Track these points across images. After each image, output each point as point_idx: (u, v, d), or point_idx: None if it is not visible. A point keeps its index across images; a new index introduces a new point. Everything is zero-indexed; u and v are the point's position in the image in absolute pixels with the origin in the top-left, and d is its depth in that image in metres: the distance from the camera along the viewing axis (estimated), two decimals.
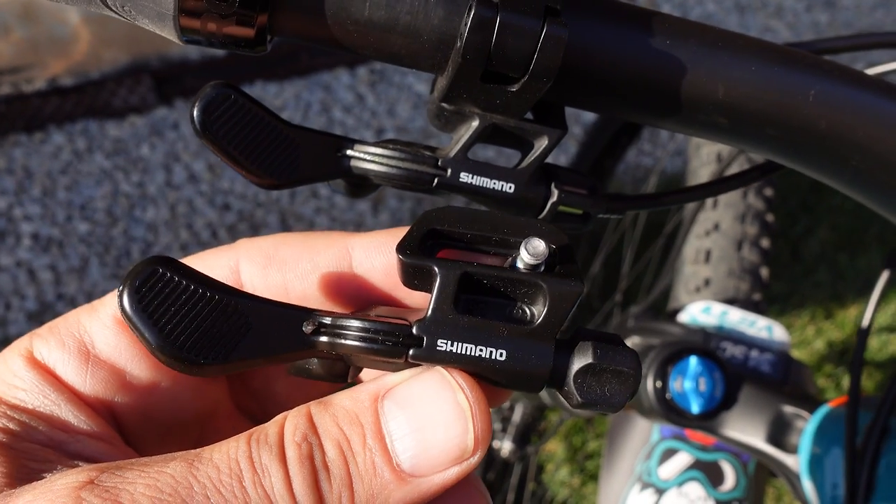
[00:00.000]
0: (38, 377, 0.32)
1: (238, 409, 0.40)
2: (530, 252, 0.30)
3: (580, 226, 0.37)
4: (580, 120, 1.96)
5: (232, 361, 0.29)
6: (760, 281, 1.00)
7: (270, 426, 0.29)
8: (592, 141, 1.29)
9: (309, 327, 0.30)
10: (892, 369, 1.73)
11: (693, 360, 0.72)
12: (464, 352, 0.29)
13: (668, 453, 0.85)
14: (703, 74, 0.32)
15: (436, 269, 0.29)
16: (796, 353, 1.79)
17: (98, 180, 1.82)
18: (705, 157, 1.08)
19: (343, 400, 0.29)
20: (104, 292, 0.36)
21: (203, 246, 1.78)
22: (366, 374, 0.36)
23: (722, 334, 0.86)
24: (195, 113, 0.32)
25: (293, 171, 0.34)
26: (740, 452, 0.83)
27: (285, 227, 1.82)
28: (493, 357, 0.29)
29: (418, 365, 0.29)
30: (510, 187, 0.35)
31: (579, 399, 0.29)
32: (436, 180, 0.34)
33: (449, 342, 0.29)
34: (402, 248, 0.30)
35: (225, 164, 0.32)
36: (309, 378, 0.33)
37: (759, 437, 0.72)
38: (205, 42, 0.30)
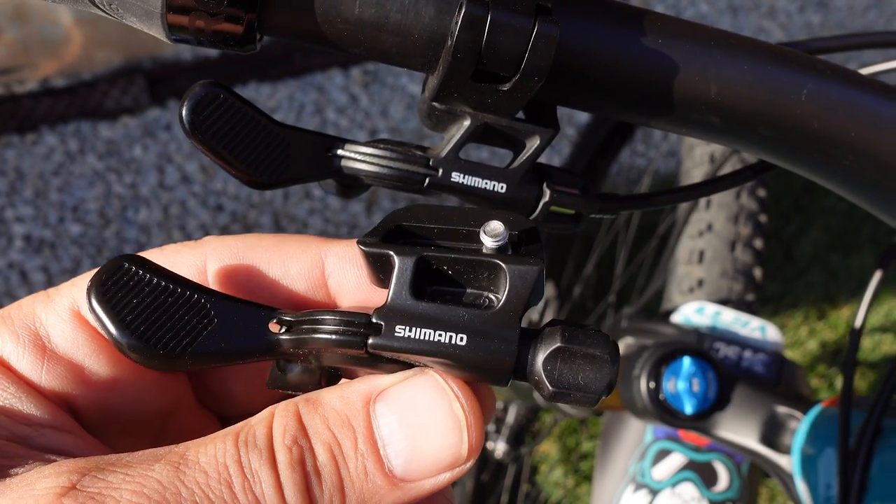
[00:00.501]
0: None
1: (200, 405, 0.38)
2: (488, 233, 0.29)
3: (572, 226, 0.37)
4: (574, 120, 1.97)
5: (194, 355, 0.29)
6: (753, 281, 1.00)
7: (258, 426, 0.28)
8: (586, 141, 1.29)
9: (273, 326, 0.30)
10: (884, 369, 1.74)
11: (686, 361, 0.72)
12: (422, 337, 0.28)
13: (662, 454, 0.85)
14: (695, 74, 0.32)
15: (393, 255, 0.29)
16: (790, 354, 1.80)
17: (90, 181, 1.81)
18: (698, 157, 1.08)
19: (333, 400, 0.29)
20: None
21: None
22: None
23: (715, 335, 0.86)
24: (184, 112, 0.32)
25: (283, 170, 0.34)
26: (734, 453, 0.83)
27: (278, 228, 1.82)
28: (454, 342, 0.28)
29: (379, 356, 0.29)
30: (502, 187, 0.35)
31: (550, 388, 0.28)
32: (427, 180, 0.34)
33: (407, 328, 0.28)
34: (362, 238, 0.30)
35: (214, 163, 0.32)
36: (286, 390, 0.32)
37: (752, 438, 0.72)
38: (193, 41, 0.30)
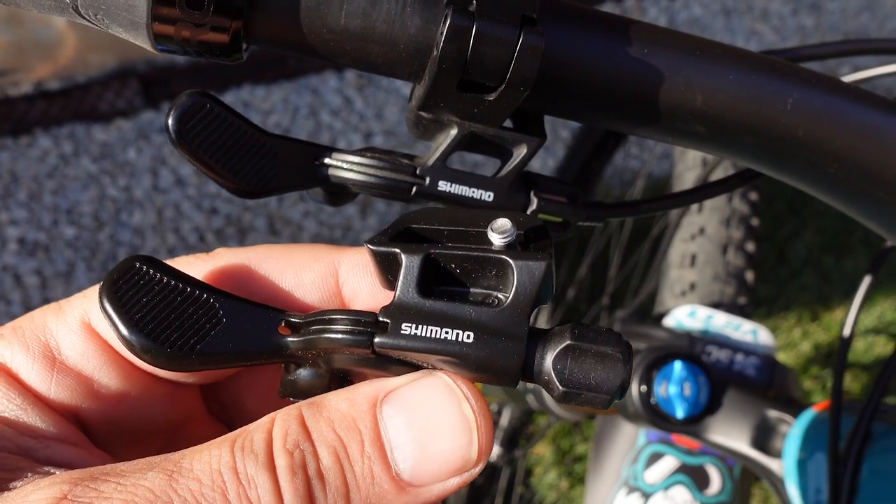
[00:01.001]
0: (1, 381, 0.31)
1: (212, 416, 0.38)
2: (495, 230, 0.29)
3: (560, 234, 0.37)
4: (568, 123, 1.97)
5: (202, 354, 0.29)
6: (745, 285, 1.01)
7: (256, 431, 0.27)
8: (580, 144, 1.29)
9: (282, 329, 0.30)
10: (877, 371, 1.74)
11: (678, 365, 0.72)
12: (429, 335, 0.27)
13: (654, 457, 0.85)
14: (680, 83, 0.32)
15: (400, 253, 0.29)
16: (783, 356, 1.80)
17: (85, 184, 1.81)
18: (691, 161, 1.08)
19: (339, 402, 0.28)
20: None
21: (190, 250, 1.77)
22: None
23: (707, 338, 0.86)
24: (170, 122, 0.32)
25: (270, 179, 0.34)
26: (726, 456, 0.83)
27: (273, 230, 1.82)
28: (460, 339, 0.27)
29: (387, 356, 0.28)
30: (489, 196, 0.35)
31: (560, 388, 0.27)
32: (414, 189, 0.34)
33: (413, 325, 0.27)
34: (371, 239, 0.29)
35: (201, 172, 0.32)
36: (296, 397, 0.32)
37: (743, 442, 0.72)
38: (179, 50, 0.30)
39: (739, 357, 0.85)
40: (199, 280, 0.30)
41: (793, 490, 0.67)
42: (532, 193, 0.36)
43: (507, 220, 0.29)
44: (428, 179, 0.34)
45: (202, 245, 1.78)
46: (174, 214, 1.80)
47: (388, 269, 0.30)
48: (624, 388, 0.27)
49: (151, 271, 0.29)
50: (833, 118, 0.33)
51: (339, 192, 0.36)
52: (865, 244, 1.93)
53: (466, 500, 1.48)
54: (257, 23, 0.30)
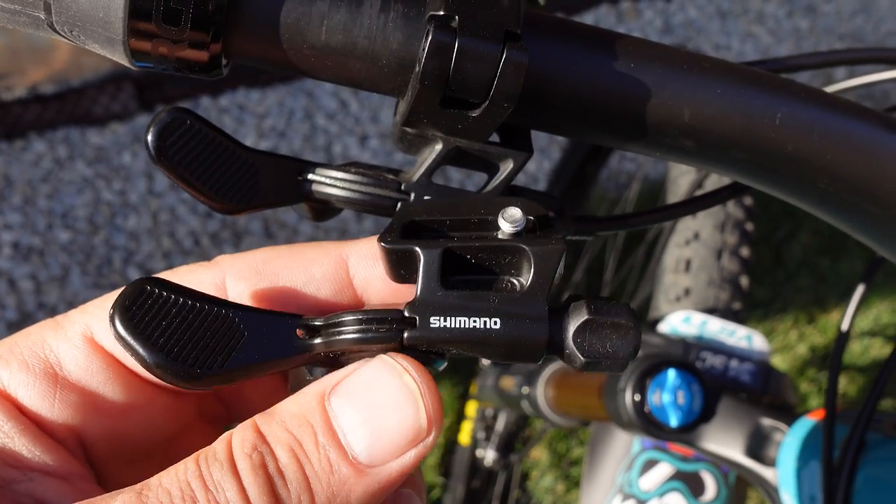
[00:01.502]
0: None
1: (206, 423, 0.38)
2: (507, 219, 0.30)
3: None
4: None
5: (229, 370, 0.29)
6: (740, 290, 1.00)
7: (217, 444, 0.28)
8: (575, 147, 1.29)
9: (302, 331, 0.30)
10: (872, 374, 1.74)
11: (671, 373, 0.72)
12: (458, 325, 0.28)
13: (649, 464, 0.85)
14: (668, 98, 0.32)
15: (418, 250, 0.29)
16: (779, 358, 1.80)
17: (79, 188, 1.80)
18: (685, 165, 1.08)
19: (289, 406, 0.29)
20: (85, 301, 0.35)
21: (186, 254, 1.76)
22: None
23: (702, 344, 0.86)
24: (149, 139, 0.31)
25: (253, 196, 0.33)
26: (720, 464, 0.83)
27: (268, 234, 1.81)
28: (488, 326, 0.28)
29: (415, 350, 0.29)
30: None
31: (582, 359, 0.29)
32: (399, 205, 0.34)
33: (441, 318, 0.28)
34: (382, 237, 0.30)
35: (183, 190, 0.32)
36: None
37: (737, 450, 0.72)
38: (157, 67, 0.29)
39: (734, 363, 0.84)
40: (209, 295, 0.30)
41: (787, 499, 0.67)
42: None
43: (516, 209, 0.30)
44: (413, 195, 0.34)
45: (198, 249, 1.78)
46: (169, 218, 1.80)
47: (401, 265, 0.30)
48: (636, 351, 0.30)
49: (163, 292, 0.29)
50: (823, 132, 0.33)
51: (323, 208, 0.36)
52: (861, 246, 1.93)
53: (463, 503, 1.48)
54: (236, 38, 0.29)
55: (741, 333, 0.88)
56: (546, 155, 1.92)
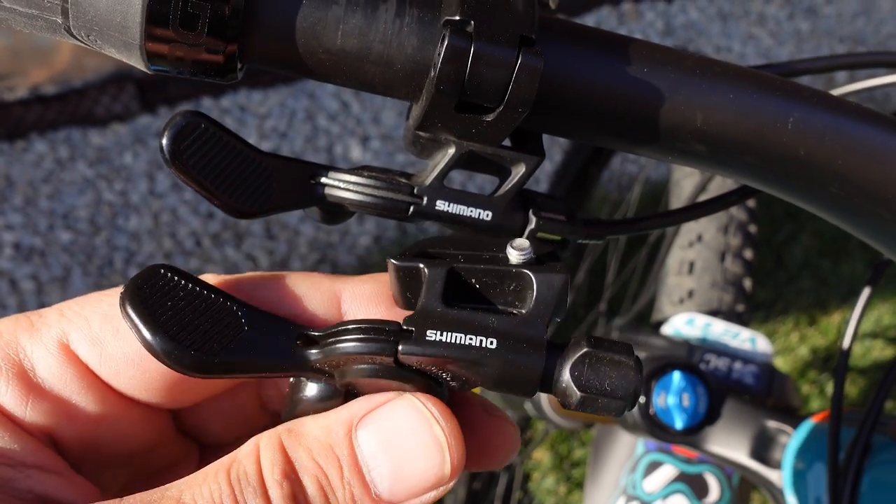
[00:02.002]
0: None
1: (181, 436, 0.38)
2: (515, 247, 0.31)
3: (559, 252, 0.37)
4: None
5: (221, 361, 0.29)
6: (744, 292, 1.00)
7: (247, 460, 0.28)
8: (577, 148, 1.29)
9: (301, 341, 0.30)
10: (875, 375, 1.74)
11: (676, 376, 0.72)
12: (453, 341, 0.28)
13: (653, 466, 0.85)
14: (680, 102, 0.32)
15: (422, 266, 0.30)
16: (780, 360, 1.80)
17: (81, 189, 1.80)
18: (689, 167, 1.08)
19: (315, 430, 0.29)
20: None
21: (187, 255, 1.76)
22: None
23: (706, 346, 0.86)
24: (165, 143, 0.31)
25: (266, 199, 0.33)
26: (725, 466, 0.83)
27: (269, 235, 1.81)
28: (483, 345, 0.28)
29: (409, 368, 0.29)
30: (487, 215, 0.34)
31: (578, 393, 0.28)
32: (412, 208, 0.34)
33: (438, 332, 0.28)
34: (395, 256, 0.31)
35: (196, 193, 0.32)
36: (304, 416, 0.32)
37: (742, 453, 0.72)
38: (173, 71, 0.29)
39: (738, 365, 0.85)
40: (219, 288, 0.30)
41: (792, 501, 0.67)
42: (531, 212, 0.35)
43: (524, 239, 0.31)
44: (425, 199, 0.34)
45: (199, 250, 1.78)
46: (171, 219, 1.80)
47: (408, 286, 0.30)
48: (636, 395, 0.29)
49: (176, 277, 0.29)
50: (835, 137, 0.33)
51: (335, 211, 0.36)
52: (863, 248, 1.93)
53: None
54: (252, 43, 0.29)
55: (745, 335, 0.88)
56: (548, 157, 1.92)
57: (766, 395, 0.83)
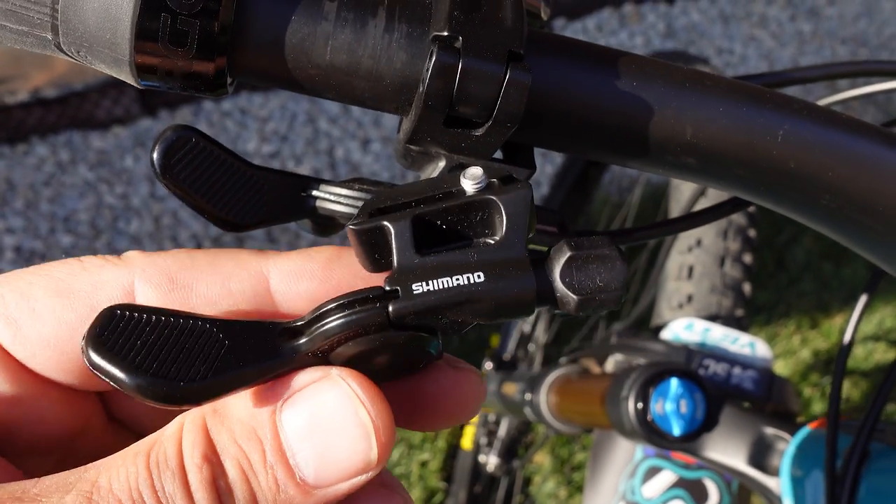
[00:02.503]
0: None
1: (112, 421, 0.36)
2: (469, 177, 0.30)
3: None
4: None
5: (214, 381, 0.28)
6: (743, 297, 1.00)
7: (168, 443, 0.27)
8: None
9: (285, 336, 0.29)
10: (876, 378, 1.74)
11: (674, 382, 0.72)
12: (441, 286, 0.28)
13: (652, 471, 0.85)
14: (670, 116, 0.32)
15: (387, 223, 0.29)
16: (782, 363, 1.80)
17: (82, 192, 1.81)
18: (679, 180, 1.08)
19: (238, 410, 0.28)
20: None
21: None
22: None
23: (705, 351, 0.86)
24: (155, 157, 0.31)
25: (257, 212, 0.33)
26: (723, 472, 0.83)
27: (270, 238, 1.82)
28: (472, 281, 0.28)
29: (403, 326, 0.28)
30: None
31: (575, 297, 0.28)
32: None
33: (424, 283, 0.28)
34: (351, 222, 0.30)
35: (187, 207, 0.32)
36: None
37: (740, 460, 0.72)
38: (163, 86, 0.29)
39: (737, 370, 0.84)
40: (179, 311, 0.29)
41: None
42: None
43: (475, 167, 0.30)
44: None
45: None
46: (172, 222, 1.80)
47: (375, 248, 0.29)
48: (627, 282, 0.29)
49: (135, 314, 0.28)
50: (825, 149, 0.33)
51: (326, 224, 0.36)
52: None
53: None
54: (242, 58, 0.29)
55: (744, 340, 0.88)
56: (549, 159, 1.92)
57: (765, 399, 0.83)
